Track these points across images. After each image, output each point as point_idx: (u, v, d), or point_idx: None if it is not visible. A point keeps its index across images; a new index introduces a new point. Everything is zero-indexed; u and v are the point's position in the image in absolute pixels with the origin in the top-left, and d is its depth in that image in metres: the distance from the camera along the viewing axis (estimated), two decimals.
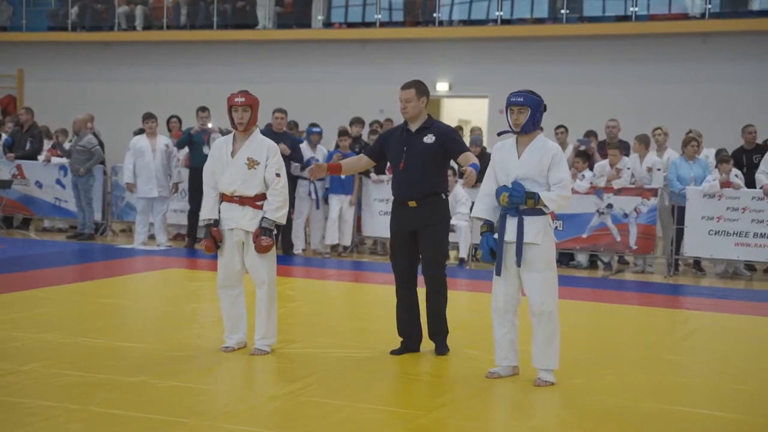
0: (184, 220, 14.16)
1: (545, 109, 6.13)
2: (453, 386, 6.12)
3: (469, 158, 6.67)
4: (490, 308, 6.26)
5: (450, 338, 6.98)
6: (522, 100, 6.04)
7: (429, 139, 6.78)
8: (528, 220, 6.01)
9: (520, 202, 5.98)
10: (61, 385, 5.77)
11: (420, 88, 6.81)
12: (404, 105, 6.77)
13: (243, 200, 6.71)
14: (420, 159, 6.75)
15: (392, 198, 6.98)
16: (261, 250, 6.62)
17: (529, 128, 6.05)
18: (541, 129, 6.20)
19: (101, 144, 14.73)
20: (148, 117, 13.38)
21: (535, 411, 5.70)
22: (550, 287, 6.08)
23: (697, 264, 12.48)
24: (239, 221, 6.71)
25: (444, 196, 6.92)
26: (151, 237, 13.75)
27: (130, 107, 18.42)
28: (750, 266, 12.39)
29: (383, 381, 6.29)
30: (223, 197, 6.79)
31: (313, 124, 13.97)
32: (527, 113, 6.03)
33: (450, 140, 6.83)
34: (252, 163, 6.64)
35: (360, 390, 5.95)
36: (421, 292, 6.93)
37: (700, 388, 6.29)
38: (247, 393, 5.91)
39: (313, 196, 13.13)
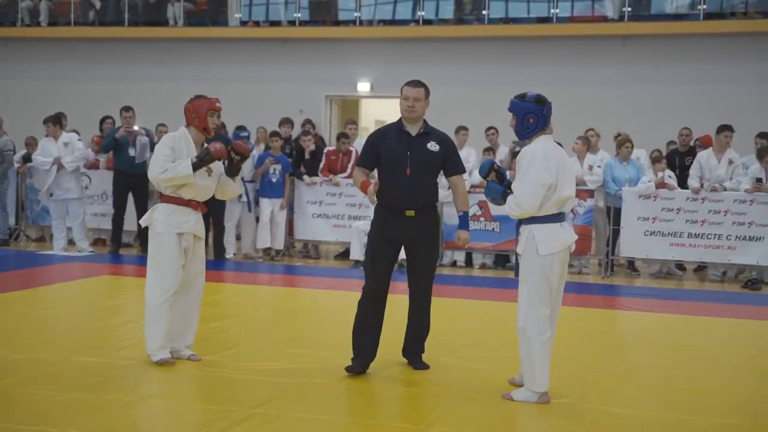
0: (104, 224, 13.64)
1: (543, 111, 5.75)
2: (439, 398, 5.92)
3: (462, 189, 6.41)
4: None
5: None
6: (510, 107, 5.81)
7: (433, 146, 6.33)
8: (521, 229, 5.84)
9: (495, 198, 5.90)
10: (32, 405, 5.35)
11: (427, 89, 6.38)
12: (412, 104, 6.24)
13: (199, 205, 6.62)
14: (425, 167, 6.30)
15: (379, 204, 6.34)
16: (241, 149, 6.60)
17: (521, 134, 5.81)
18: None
19: (13, 145, 14.08)
20: (45, 120, 12.97)
21: (525, 421, 5.57)
22: (522, 301, 5.80)
23: (630, 264, 12.61)
24: (194, 226, 6.56)
25: (436, 206, 6.57)
26: (71, 242, 13.20)
27: (38, 107, 17.59)
28: (680, 266, 12.57)
29: (366, 394, 6.04)
30: (182, 201, 6.50)
31: (240, 127, 13.53)
32: (514, 120, 5.81)
33: (452, 154, 6.47)
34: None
35: (350, 404, 5.78)
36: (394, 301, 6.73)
37: (687, 393, 6.22)
38: (236, 408, 5.54)
39: (244, 198, 12.77)
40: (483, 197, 12.29)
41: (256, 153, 13.17)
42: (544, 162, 5.64)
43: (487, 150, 12.92)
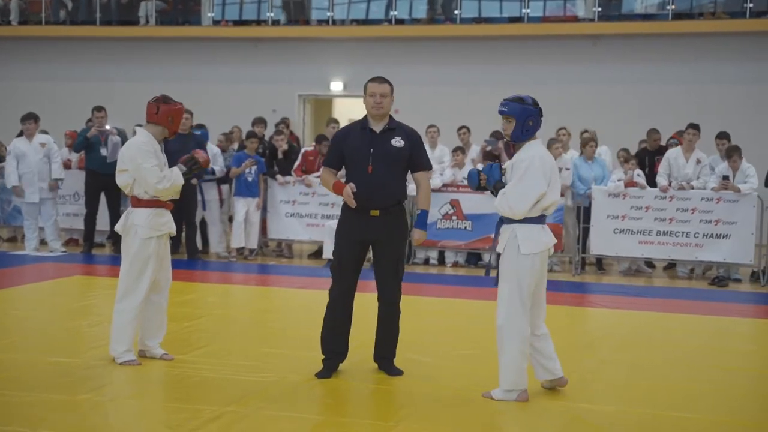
0: (77, 224, 13.60)
1: (539, 114, 5.80)
2: (409, 396, 5.98)
3: (424, 187, 6.33)
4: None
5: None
6: (506, 110, 5.77)
7: (398, 142, 6.21)
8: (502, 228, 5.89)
9: (490, 181, 5.92)
10: (3, 406, 5.39)
11: (391, 85, 6.28)
12: (380, 100, 6.15)
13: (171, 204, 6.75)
14: (388, 164, 6.16)
15: (341, 203, 6.30)
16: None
17: (518, 137, 5.80)
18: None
19: None
20: (26, 118, 12.81)
21: (491, 418, 5.64)
22: (502, 299, 5.85)
23: (599, 262, 12.73)
24: (171, 225, 6.69)
25: (404, 205, 6.43)
26: (43, 242, 13.16)
27: (7, 107, 17.53)
28: (649, 263, 12.71)
29: (337, 392, 6.09)
30: (159, 203, 6.58)
31: (198, 126, 13.42)
32: (513, 123, 5.76)
33: (417, 149, 6.34)
34: None
35: (321, 402, 5.85)
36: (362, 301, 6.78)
37: (655, 389, 6.31)
38: (208, 407, 5.59)
39: (199, 197, 12.66)
40: (455, 196, 12.56)
41: (231, 152, 13.18)
42: (541, 170, 5.72)
43: (457, 149, 12.99)
